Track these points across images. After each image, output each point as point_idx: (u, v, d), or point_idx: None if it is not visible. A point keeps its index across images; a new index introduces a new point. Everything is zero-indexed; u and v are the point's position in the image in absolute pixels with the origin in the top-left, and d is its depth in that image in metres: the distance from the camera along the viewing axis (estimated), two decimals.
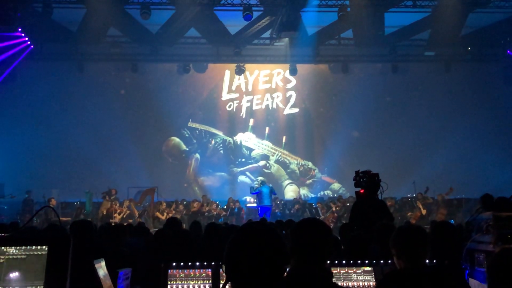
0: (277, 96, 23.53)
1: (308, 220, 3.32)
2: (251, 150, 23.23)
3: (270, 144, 23.30)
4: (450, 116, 22.54)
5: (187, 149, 23.03)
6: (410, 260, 3.42)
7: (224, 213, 19.15)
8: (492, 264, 3.00)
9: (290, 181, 23.27)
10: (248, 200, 20.87)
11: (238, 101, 23.37)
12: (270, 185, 18.94)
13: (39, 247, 3.32)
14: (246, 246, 2.37)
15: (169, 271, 4.56)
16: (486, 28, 21.20)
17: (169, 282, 4.52)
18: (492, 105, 22.54)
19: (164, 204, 18.91)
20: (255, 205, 19.59)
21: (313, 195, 22.77)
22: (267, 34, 21.72)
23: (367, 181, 8.46)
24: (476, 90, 22.71)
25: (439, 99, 22.84)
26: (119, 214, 18.05)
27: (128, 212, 18.42)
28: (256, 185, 19.19)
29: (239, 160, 23.20)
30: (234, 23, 20.23)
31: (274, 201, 19.68)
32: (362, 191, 8.58)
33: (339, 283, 4.49)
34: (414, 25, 20.95)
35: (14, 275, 3.25)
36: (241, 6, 18.82)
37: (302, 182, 23.30)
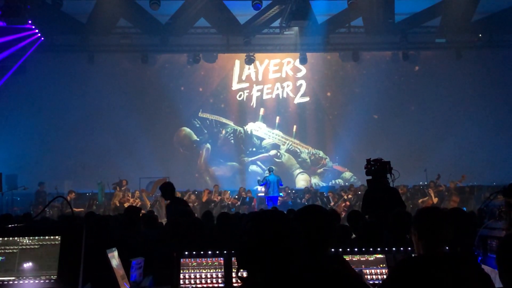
0: (287, 85, 23.46)
1: (308, 208, 3.26)
2: (261, 139, 23.22)
3: (280, 134, 23.28)
4: (461, 103, 22.44)
5: (198, 139, 23.05)
6: (431, 241, 3.34)
7: (237, 202, 19.21)
8: (500, 250, 2.98)
9: (301, 170, 23.25)
10: (259, 189, 20.90)
11: (248, 91, 23.34)
12: (278, 176, 18.96)
13: (52, 237, 3.35)
14: (258, 234, 2.37)
15: (182, 260, 4.59)
16: (497, 14, 20.99)
17: (181, 271, 4.55)
18: (503, 91, 22.41)
19: (179, 194, 19.00)
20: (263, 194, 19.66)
21: (324, 184, 22.74)
22: (276, 23, 21.62)
23: (378, 169, 8.43)
24: (488, 77, 22.55)
25: (450, 86, 22.70)
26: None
27: (140, 202, 18.50)
28: (266, 175, 19.27)
29: (250, 149, 23.20)
30: (243, 12, 20.19)
31: (285, 191, 19.75)
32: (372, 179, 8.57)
33: None
34: (424, 12, 20.81)
35: (27, 265, 3.28)
36: None
37: (313, 171, 23.28)
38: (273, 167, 19.80)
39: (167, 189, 9.11)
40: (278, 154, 23.13)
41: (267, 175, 18.99)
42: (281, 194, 19.14)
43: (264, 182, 18.75)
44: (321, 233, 2.96)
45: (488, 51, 22.88)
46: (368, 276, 4.53)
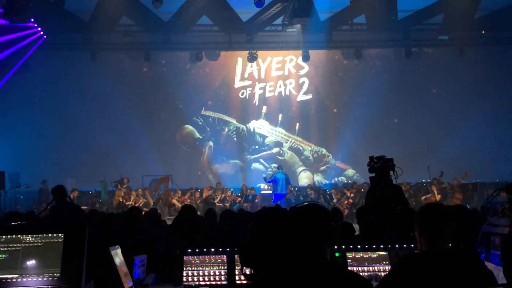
0: (290, 83, 23.43)
1: (308, 206, 3.12)
2: (264, 137, 23.20)
3: (283, 131, 23.25)
4: (464, 100, 22.37)
5: (200, 137, 23.04)
6: (432, 238, 3.32)
7: (239, 199, 19.21)
8: (503, 246, 2.97)
9: (304, 167, 23.22)
10: (262, 187, 20.88)
11: (251, 89, 23.31)
12: (286, 174, 18.93)
13: (55, 235, 3.35)
14: (262, 232, 2.36)
15: (185, 257, 4.59)
16: (499, 11, 20.96)
17: (184, 269, 4.55)
18: (506, 88, 22.34)
19: (179, 192, 19.02)
20: (269, 191, 19.63)
21: (327, 182, 22.72)
22: (279, 20, 21.61)
23: (381, 166, 8.40)
24: (491, 74, 22.48)
25: (453, 83, 22.65)
26: (134, 202, 18.09)
27: (143, 200, 18.49)
28: (270, 172, 19.25)
29: (253, 147, 23.18)
30: (246, 10, 20.19)
31: (287, 188, 19.73)
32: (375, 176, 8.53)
33: (355, 269, 4.48)
34: (427, 9, 20.78)
35: (30, 262, 3.28)
36: None
37: (316, 169, 23.25)
38: (281, 166, 19.76)
39: (58, 192, 9.04)
40: (281, 151, 23.11)
41: (275, 172, 18.96)
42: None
43: (272, 179, 18.72)
44: (321, 231, 2.93)
45: (491, 48, 22.82)
46: (371, 273, 4.52)
